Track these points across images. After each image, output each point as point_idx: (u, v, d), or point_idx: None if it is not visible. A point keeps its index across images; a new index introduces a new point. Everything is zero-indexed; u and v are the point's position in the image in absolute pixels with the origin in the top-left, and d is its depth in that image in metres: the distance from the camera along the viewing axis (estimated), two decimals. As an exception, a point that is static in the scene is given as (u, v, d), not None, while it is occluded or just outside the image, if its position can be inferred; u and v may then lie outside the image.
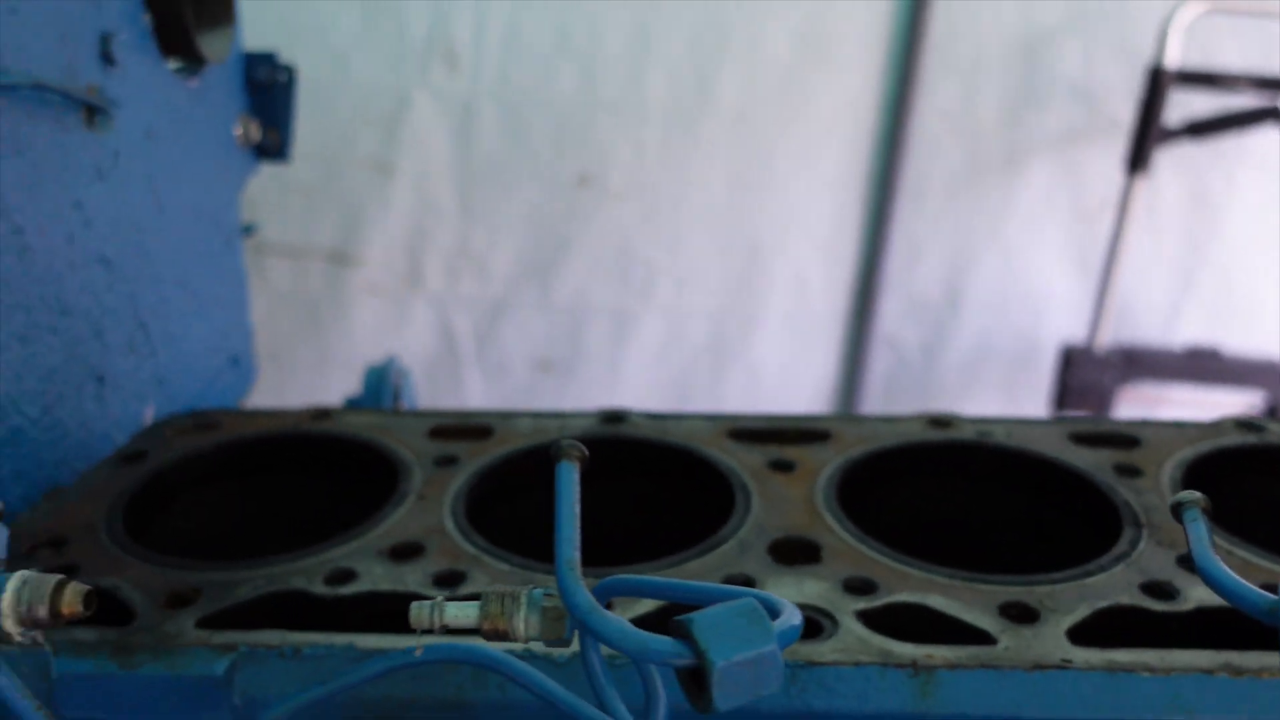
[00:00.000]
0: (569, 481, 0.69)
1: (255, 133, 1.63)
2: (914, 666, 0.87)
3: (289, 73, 1.64)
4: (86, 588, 0.69)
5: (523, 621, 0.66)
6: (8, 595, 0.67)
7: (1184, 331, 3.74)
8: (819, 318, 3.91)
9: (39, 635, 0.69)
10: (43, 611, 0.68)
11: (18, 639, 0.68)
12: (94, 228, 1.26)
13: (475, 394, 3.91)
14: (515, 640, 0.67)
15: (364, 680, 0.79)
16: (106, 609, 0.94)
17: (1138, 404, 3.61)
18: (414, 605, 0.68)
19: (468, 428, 1.26)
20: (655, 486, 1.21)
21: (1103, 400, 3.50)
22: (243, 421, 1.30)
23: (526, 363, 3.98)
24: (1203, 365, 3.54)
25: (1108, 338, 3.55)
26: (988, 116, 3.59)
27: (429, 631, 0.68)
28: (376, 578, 0.99)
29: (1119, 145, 3.39)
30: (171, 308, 1.46)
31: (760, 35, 3.47)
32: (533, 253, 3.78)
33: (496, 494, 1.17)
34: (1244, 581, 0.71)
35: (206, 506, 1.22)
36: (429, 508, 1.10)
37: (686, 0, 3.41)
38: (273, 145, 1.66)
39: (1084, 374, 3.55)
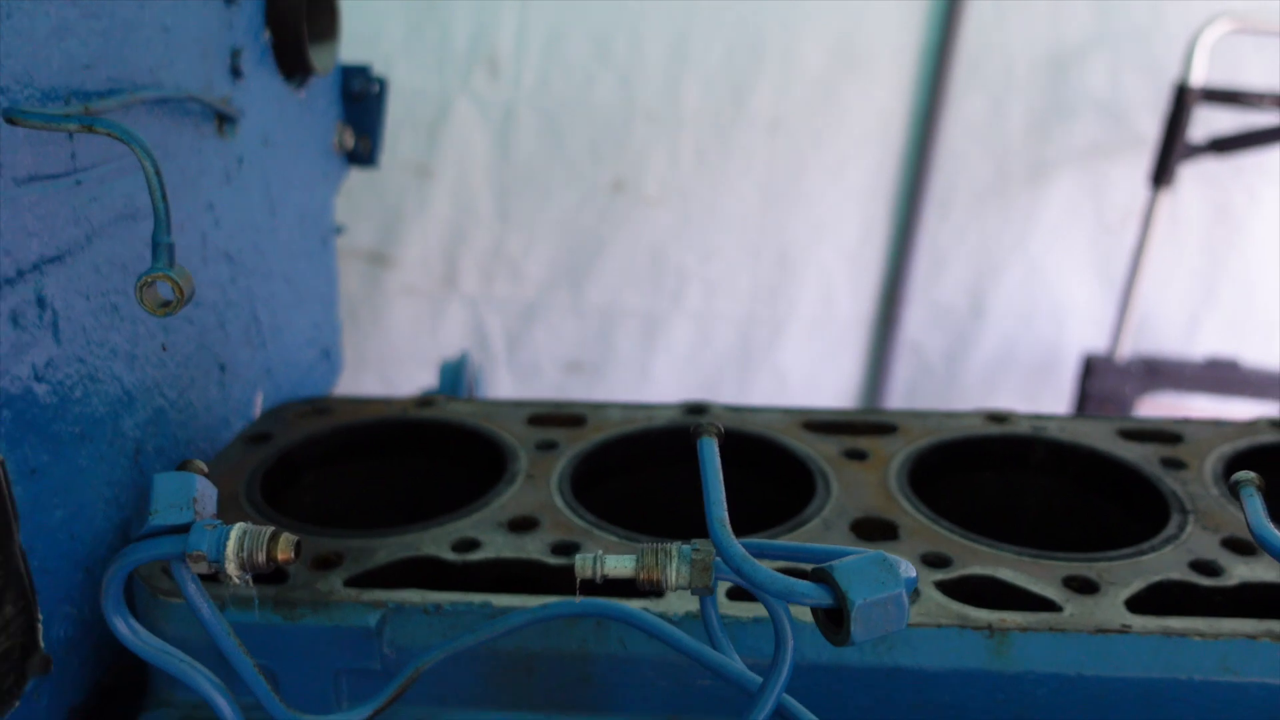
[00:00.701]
0: (711, 454, 0.80)
1: (349, 140, 1.74)
2: (989, 629, 0.98)
3: (381, 84, 1.76)
4: (295, 537, 0.80)
5: (674, 571, 0.77)
6: (231, 542, 0.78)
7: (1204, 343, 3.81)
8: (845, 324, 4.00)
9: (250, 579, 0.80)
10: (260, 557, 0.79)
11: (236, 581, 0.79)
12: (221, 227, 1.37)
13: (505, 394, 4.00)
14: (666, 589, 0.78)
15: (512, 629, 0.90)
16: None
17: (1157, 413, 3.68)
18: (578, 557, 0.78)
19: (562, 416, 1.38)
20: (738, 472, 1.31)
21: (1123, 409, 3.57)
22: (355, 408, 1.41)
23: (556, 364, 4.07)
24: (1222, 376, 3.61)
25: (1129, 348, 3.64)
26: (1015, 130, 3.66)
27: (590, 581, 0.78)
28: (499, 546, 1.10)
29: (1143, 160, 3.47)
30: (278, 303, 1.57)
31: (795, 48, 3.56)
32: (566, 256, 3.87)
33: (596, 475, 1.28)
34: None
35: (328, 483, 1.34)
36: (538, 486, 1.22)
37: (725, 12, 3.50)
38: (364, 151, 1.78)
39: (1105, 383, 3.63)
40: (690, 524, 1.09)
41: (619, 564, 0.78)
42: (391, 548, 1.10)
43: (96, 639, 1.14)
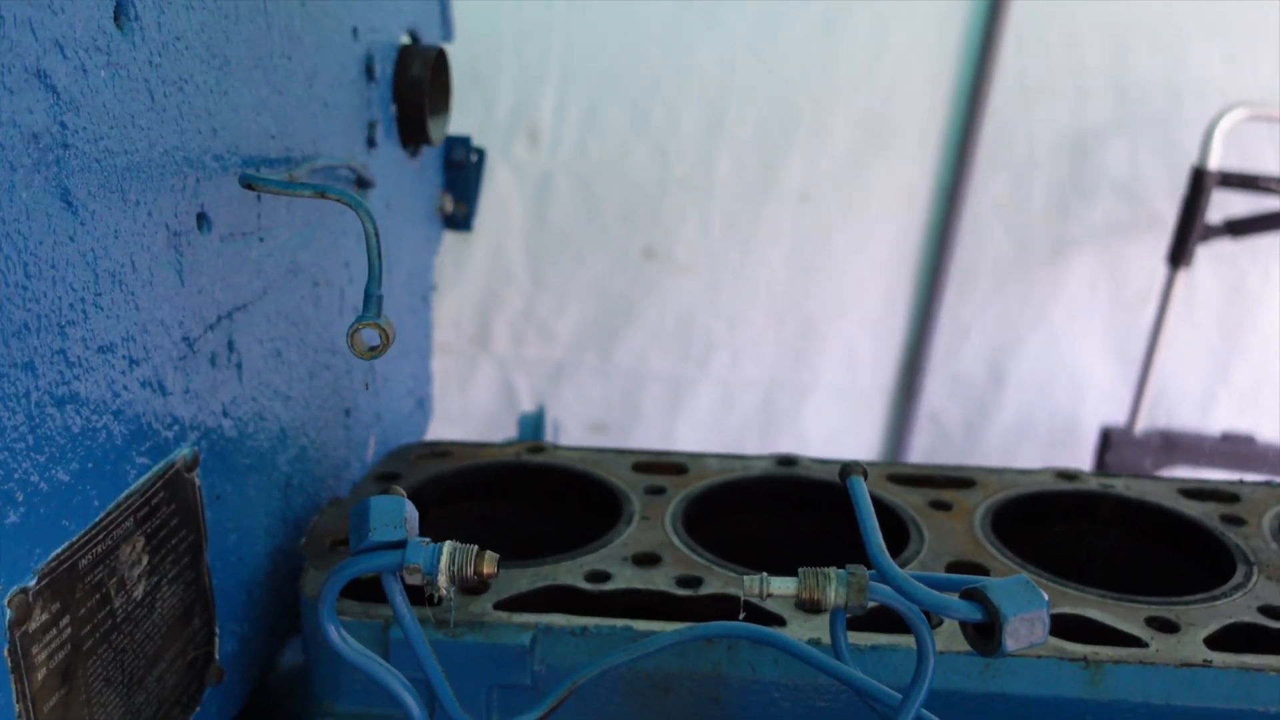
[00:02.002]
0: (862, 490, 0.91)
1: (449, 205, 1.88)
2: (1085, 660, 1.09)
3: (480, 154, 1.89)
4: (496, 555, 0.91)
5: (833, 592, 0.88)
6: (444, 557, 0.89)
7: (1219, 419, 3.91)
8: (866, 392, 4.09)
9: (452, 592, 0.91)
10: (469, 571, 0.89)
11: (443, 593, 0.90)
12: (354, 284, 1.50)
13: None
14: (825, 608, 0.88)
15: (662, 648, 1.00)
16: (414, 592, 1.15)
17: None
18: (746, 578, 0.89)
19: (665, 464, 1.49)
20: (832, 519, 1.43)
21: (1140, 481, 3.65)
22: (470, 451, 1.52)
23: (582, 424, 4.16)
24: (1238, 451, 3.68)
25: (1146, 421, 3.73)
26: (1036, 208, 3.77)
27: (755, 598, 0.89)
28: (629, 578, 1.21)
29: (1160, 240, 3.58)
30: (390, 355, 1.68)
31: (825, 124, 3.68)
32: (596, 320, 3.96)
33: (701, 518, 1.39)
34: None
35: (452, 520, 1.44)
36: (653, 526, 1.32)
37: (758, 87, 3.64)
38: (460, 216, 1.91)
39: (1123, 455, 3.71)
40: (783, 560, 1.20)
41: (783, 585, 0.89)
42: (531, 577, 1.20)
43: (251, 657, 1.24)
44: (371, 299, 0.99)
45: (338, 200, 1.00)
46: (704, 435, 4.09)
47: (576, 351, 4.04)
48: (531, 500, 1.48)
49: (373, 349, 1.00)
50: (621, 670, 1.09)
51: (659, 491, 1.41)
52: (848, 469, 0.93)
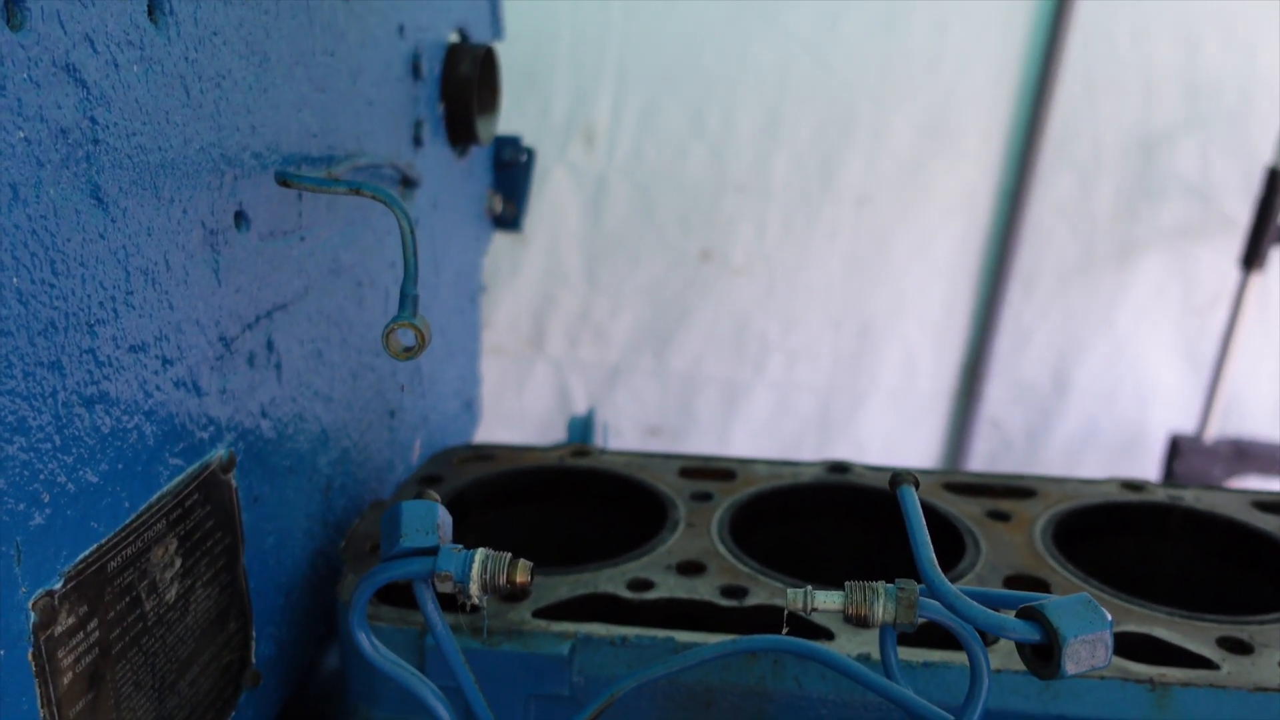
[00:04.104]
0: (913, 499, 0.87)
1: (498, 205, 1.86)
2: (1151, 683, 1.03)
3: (530, 154, 1.87)
4: (530, 564, 0.88)
5: (881, 608, 0.84)
6: (476, 565, 0.86)
7: (1292, 427, 3.81)
8: (925, 397, 4.02)
9: (485, 600, 0.88)
10: (502, 579, 0.87)
11: (475, 601, 0.87)
12: (399, 284, 1.47)
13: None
14: (872, 624, 0.84)
15: (703, 661, 0.97)
16: (448, 599, 1.13)
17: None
18: (790, 590, 0.85)
19: (713, 470, 1.45)
20: (885, 529, 1.38)
21: (1209, 491, 3.55)
22: (514, 454, 1.50)
23: (637, 427, 4.14)
24: (1311, 460, 3.60)
25: (1216, 430, 3.63)
26: (1102, 209, 3.69)
27: (799, 613, 0.85)
28: (672, 587, 1.18)
29: (1231, 242, 3.49)
30: (435, 356, 1.67)
31: (885, 125, 3.63)
32: (651, 322, 3.95)
33: (749, 525, 1.35)
34: None
35: (495, 523, 1.42)
36: (699, 534, 1.29)
37: (816, 88, 3.59)
38: (509, 216, 1.89)
39: (1192, 464, 3.61)
40: (835, 574, 1.16)
41: (828, 599, 0.85)
42: (572, 584, 1.18)
43: (289, 660, 1.23)
44: (407, 298, 0.97)
45: (373, 197, 0.98)
46: (759, 439, 4.06)
47: (631, 354, 4.03)
48: (576, 505, 1.45)
49: (408, 350, 0.97)
50: (662, 683, 1.06)
51: (706, 498, 1.38)
52: (898, 477, 0.89)
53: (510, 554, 0.88)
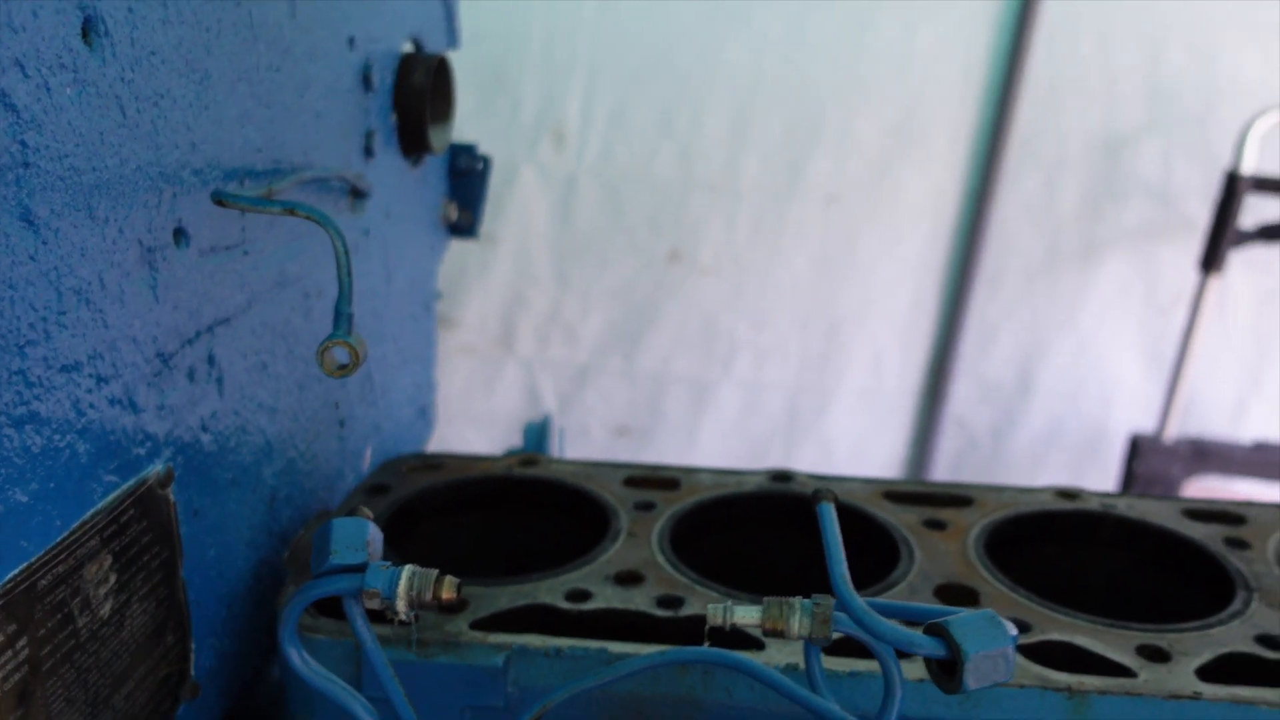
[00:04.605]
0: (831, 517, 0.89)
1: (454, 213, 1.87)
2: (1069, 690, 1.06)
3: (485, 162, 1.89)
4: (458, 580, 0.90)
5: (796, 622, 0.86)
6: (403, 582, 0.88)
7: (1250, 428, 3.84)
8: (892, 396, 4.05)
9: (415, 616, 0.90)
10: (428, 596, 0.88)
11: (403, 618, 0.89)
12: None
13: (553, 455, 4.08)
14: (789, 638, 0.86)
15: (633, 672, 0.99)
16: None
17: (1206, 496, 3.70)
18: (710, 606, 0.88)
19: (658, 479, 1.47)
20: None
21: (1170, 490, 3.59)
22: (463, 463, 1.52)
23: (606, 427, 4.15)
24: (1269, 461, 3.61)
25: (1176, 429, 3.67)
26: (1067, 210, 3.72)
27: (719, 628, 0.87)
28: (609, 597, 1.20)
29: (1193, 244, 3.52)
30: (388, 364, 1.69)
31: (853, 125, 3.65)
32: (620, 323, 3.95)
33: (691, 535, 1.37)
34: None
35: (441, 533, 1.44)
36: (640, 544, 1.31)
37: (785, 89, 3.61)
38: (465, 224, 1.90)
39: (1152, 463, 3.65)
40: (778, 582, 1.18)
41: (746, 614, 0.87)
42: (510, 595, 1.19)
43: (231, 671, 1.24)
44: (341, 316, 0.98)
45: (306, 217, 0.99)
46: (728, 439, 4.08)
47: (601, 354, 4.04)
48: (523, 514, 1.47)
49: (342, 367, 0.99)
50: (595, 693, 1.08)
51: (649, 507, 1.40)
52: (818, 494, 0.91)
53: (438, 570, 0.90)
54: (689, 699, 1.09)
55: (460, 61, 3.74)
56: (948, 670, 0.80)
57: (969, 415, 4.09)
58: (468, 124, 3.66)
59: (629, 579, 1.23)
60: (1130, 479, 3.63)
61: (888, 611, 0.88)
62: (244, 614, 1.25)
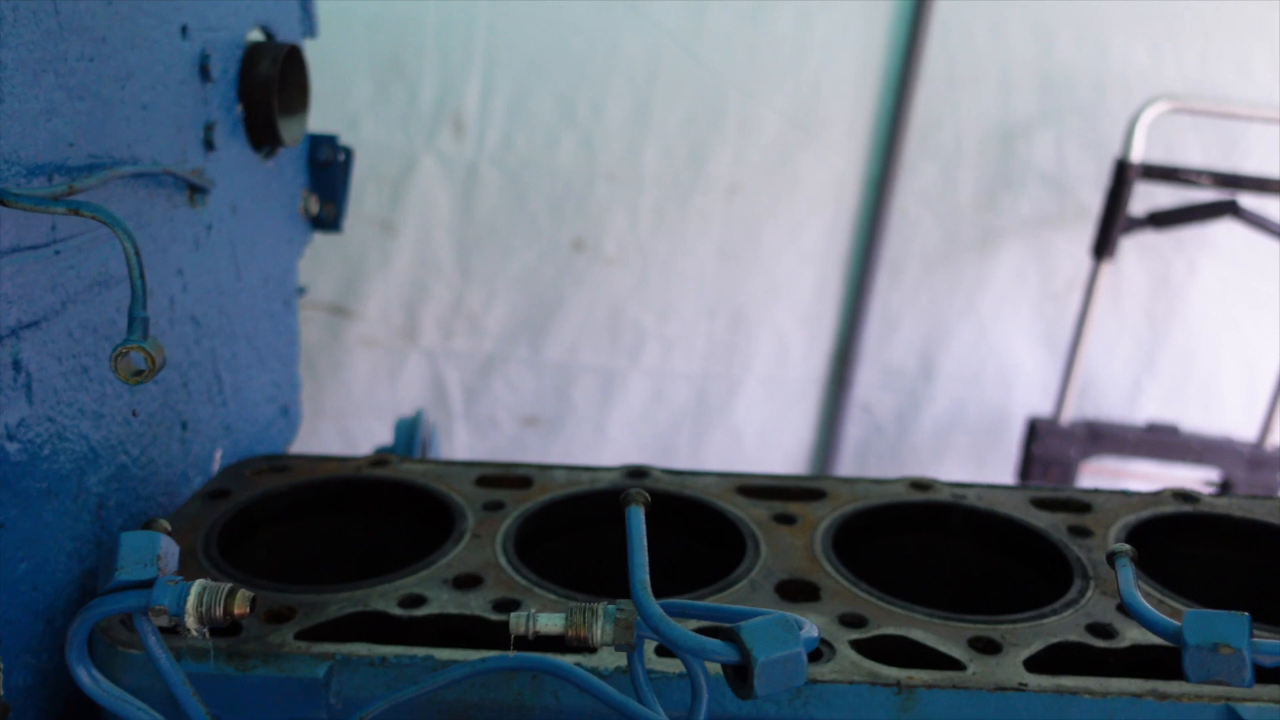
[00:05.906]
0: (638, 521, 0.88)
1: (314, 206, 1.82)
2: (898, 686, 1.06)
3: (347, 153, 1.84)
4: (252, 594, 0.87)
5: (600, 629, 0.84)
6: (191, 598, 0.85)
7: (1145, 409, 3.93)
8: (798, 384, 4.08)
9: (208, 632, 0.86)
10: (219, 611, 0.85)
11: (194, 634, 0.85)
12: (189, 291, 1.44)
13: (462, 447, 4.04)
14: (592, 645, 0.85)
15: (452, 681, 0.97)
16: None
17: (1099, 477, 3.79)
18: (513, 615, 0.85)
19: (510, 477, 1.45)
20: (675, 535, 1.39)
21: (1066, 472, 3.66)
22: (311, 465, 1.48)
23: (513, 418, 4.12)
24: (1162, 442, 3.70)
25: (1072, 412, 3.74)
26: (964, 199, 3.77)
27: (523, 637, 0.85)
28: (444, 602, 1.17)
29: (1086, 231, 3.59)
30: (240, 362, 1.64)
31: (753, 115, 3.67)
32: (525, 312, 3.92)
33: (539, 535, 1.35)
34: (1156, 612, 0.91)
35: (284, 539, 1.40)
36: (484, 545, 1.28)
37: (685, 78, 3.60)
38: (328, 217, 1.85)
39: (1049, 446, 3.72)
40: (626, 580, 1.16)
41: (550, 622, 0.85)
42: (342, 603, 1.16)
43: (52, 688, 1.19)
44: (135, 321, 0.94)
45: (92, 217, 0.95)
46: (635, 428, 4.07)
47: (506, 344, 4.00)
48: (372, 516, 1.44)
49: (139, 373, 0.95)
50: (420, 702, 1.05)
51: (498, 506, 1.37)
52: (628, 497, 0.90)
53: (230, 585, 0.87)
54: (517, 705, 1.07)
55: (356, 50, 3.67)
56: (741, 675, 0.78)
57: (874, 401, 4.12)
58: (365, 113, 3.64)
59: (467, 582, 1.21)
60: (1029, 461, 3.69)
61: (693, 614, 0.86)
62: (67, 629, 1.20)
